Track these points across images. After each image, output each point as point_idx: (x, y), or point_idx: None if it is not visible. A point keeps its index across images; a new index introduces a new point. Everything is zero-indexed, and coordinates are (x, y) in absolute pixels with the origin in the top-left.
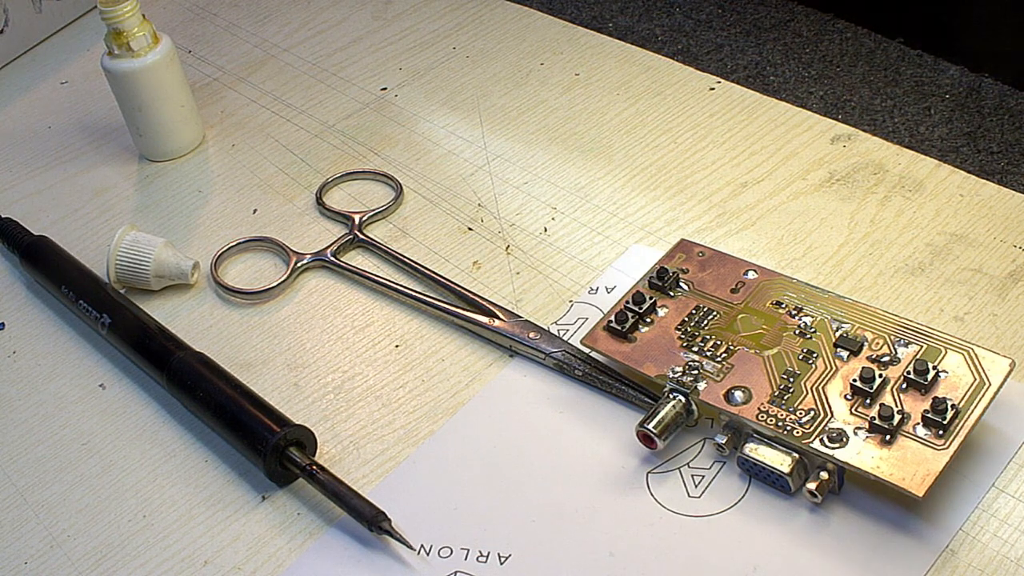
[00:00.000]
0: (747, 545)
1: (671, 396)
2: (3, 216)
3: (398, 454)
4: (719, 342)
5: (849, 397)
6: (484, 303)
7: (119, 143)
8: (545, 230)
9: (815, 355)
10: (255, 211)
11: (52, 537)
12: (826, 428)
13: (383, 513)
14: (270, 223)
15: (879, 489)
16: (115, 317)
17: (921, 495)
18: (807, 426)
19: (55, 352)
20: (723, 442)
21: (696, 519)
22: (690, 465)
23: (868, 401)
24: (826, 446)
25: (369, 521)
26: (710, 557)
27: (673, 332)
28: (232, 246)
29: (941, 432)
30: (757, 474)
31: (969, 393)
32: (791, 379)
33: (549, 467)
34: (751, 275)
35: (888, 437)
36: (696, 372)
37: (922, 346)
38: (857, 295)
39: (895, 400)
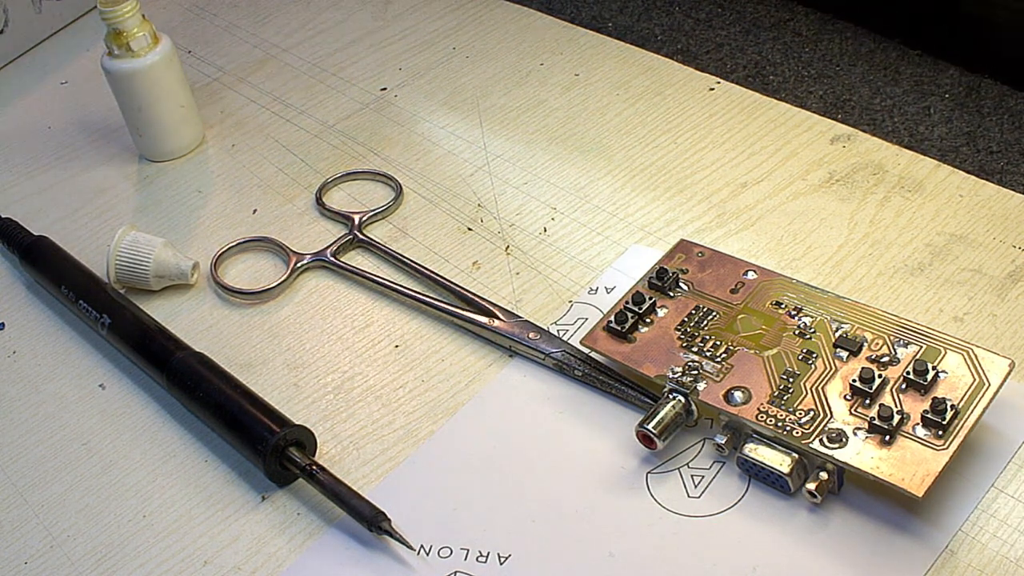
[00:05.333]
0: (747, 545)
1: (671, 396)
2: (3, 216)
3: (398, 454)
4: (719, 342)
5: (849, 397)
6: (484, 303)
7: (119, 143)
8: (545, 230)
9: (815, 355)
10: (255, 211)
11: (52, 537)
12: (826, 428)
13: (383, 513)
14: (270, 223)
15: (879, 489)
16: (115, 317)
17: (921, 495)
18: (807, 426)
19: (55, 352)
20: (723, 442)
21: (696, 519)
22: (690, 465)
23: (868, 401)
24: (826, 446)
25: (369, 521)
26: (710, 557)
27: (673, 332)
28: (232, 246)
29: (941, 432)
30: (757, 474)
31: (969, 393)
32: (791, 379)
33: (549, 467)
34: (751, 275)
35: (888, 437)
36: (696, 372)
37: (921, 346)
38: (857, 295)
39: (895, 400)
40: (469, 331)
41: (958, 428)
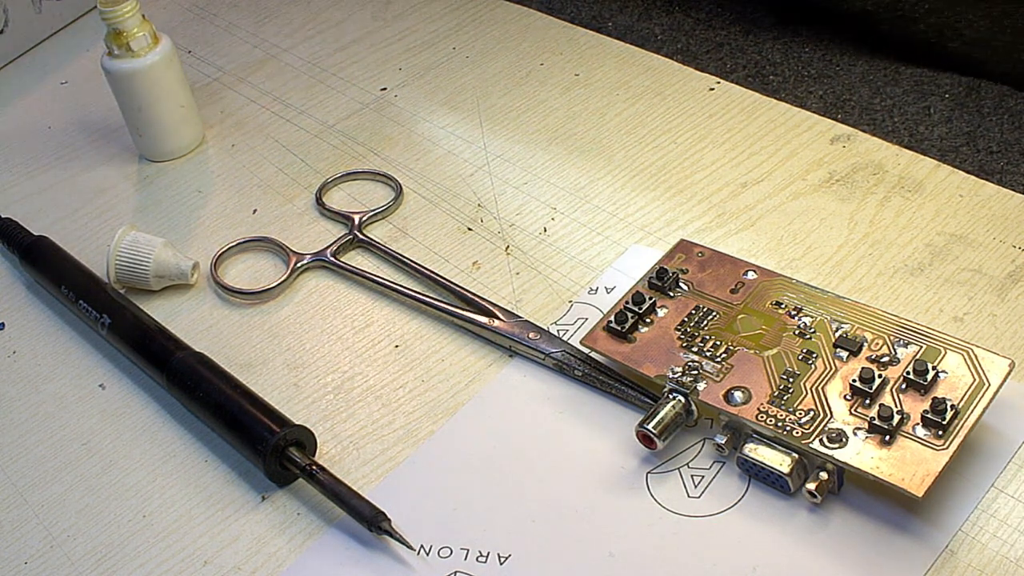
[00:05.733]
0: (747, 545)
1: (671, 396)
2: (3, 216)
3: (398, 454)
4: (719, 342)
5: (849, 397)
6: (484, 303)
7: (119, 143)
8: (545, 230)
9: (815, 355)
10: (255, 211)
11: (52, 537)
12: (825, 428)
13: (383, 513)
14: (270, 223)
15: (879, 489)
16: (115, 317)
17: (921, 495)
18: (807, 426)
19: (55, 352)
20: (723, 442)
21: (696, 519)
22: (690, 465)
23: (868, 401)
24: (825, 446)
25: (369, 521)
26: (710, 557)
27: (673, 332)
28: (232, 246)
29: (941, 432)
30: (757, 474)
31: (969, 393)
32: (791, 379)
33: (549, 467)
34: (751, 275)
35: (888, 437)
36: (696, 372)
37: (921, 346)
38: (856, 295)
39: (894, 400)
40: (469, 331)
41: (958, 428)
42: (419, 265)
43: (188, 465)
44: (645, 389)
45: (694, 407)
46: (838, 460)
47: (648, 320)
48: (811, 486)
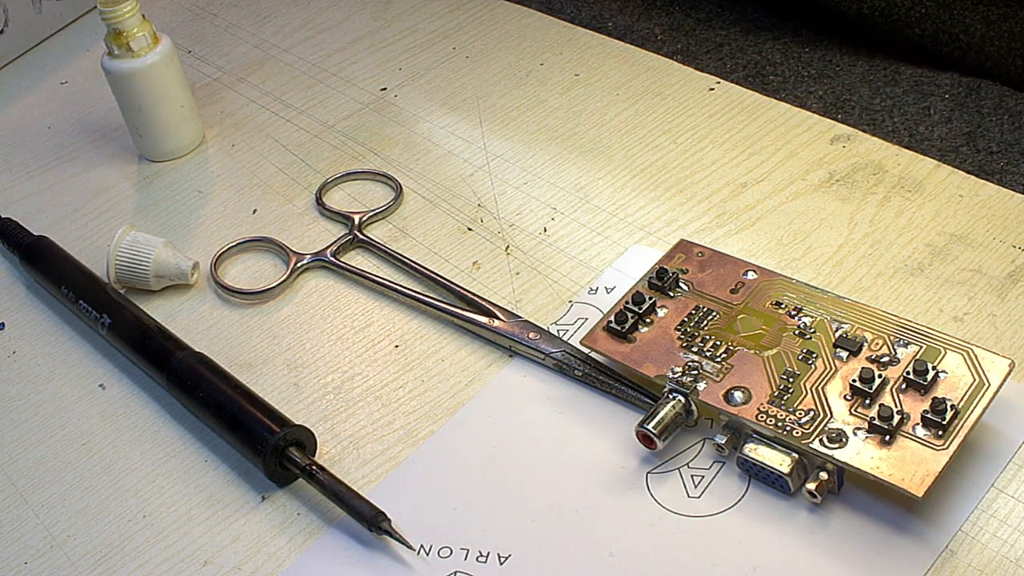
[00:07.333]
0: (747, 545)
1: (671, 396)
2: (3, 216)
3: (398, 454)
4: (719, 342)
5: (848, 397)
6: (484, 303)
7: (119, 143)
8: (545, 230)
9: (815, 355)
10: (255, 211)
11: (52, 537)
12: (825, 428)
13: (383, 513)
14: (270, 223)
15: (879, 489)
16: (115, 317)
17: (921, 495)
18: (807, 426)
19: (55, 352)
20: (723, 442)
21: (696, 519)
22: (690, 465)
23: (867, 401)
24: (825, 446)
25: (369, 521)
26: (710, 557)
27: (673, 332)
28: (232, 246)
29: (941, 432)
30: (757, 474)
31: (968, 393)
32: (791, 379)
33: (549, 467)
34: (751, 275)
35: (887, 437)
36: (696, 372)
37: (921, 346)
38: (856, 295)
39: (894, 400)
40: (469, 331)
41: (958, 428)
42: (419, 265)
43: (188, 465)
44: (645, 389)
45: (694, 407)
46: (838, 460)
47: (648, 320)
48: (811, 486)
